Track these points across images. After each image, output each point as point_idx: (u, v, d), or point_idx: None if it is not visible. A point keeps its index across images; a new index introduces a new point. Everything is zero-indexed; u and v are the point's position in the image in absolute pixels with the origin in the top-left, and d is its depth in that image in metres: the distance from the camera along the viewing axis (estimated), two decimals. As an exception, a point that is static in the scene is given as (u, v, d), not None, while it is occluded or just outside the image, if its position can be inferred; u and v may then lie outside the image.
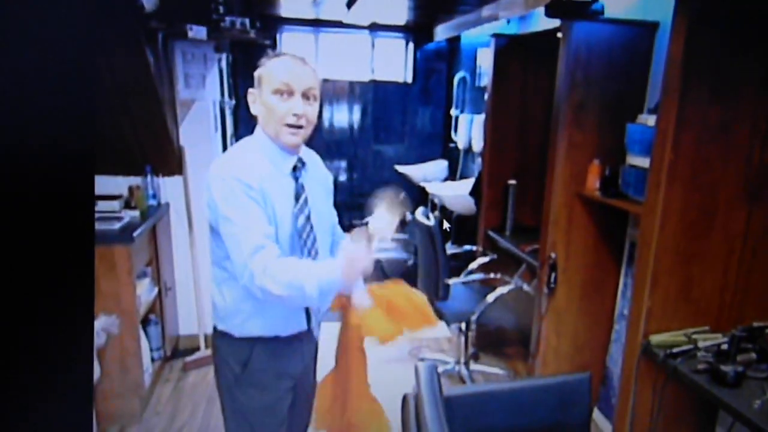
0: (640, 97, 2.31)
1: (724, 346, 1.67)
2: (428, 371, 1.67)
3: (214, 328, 1.56)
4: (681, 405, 1.91)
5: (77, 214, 0.53)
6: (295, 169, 1.49)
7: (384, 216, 1.57)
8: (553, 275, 2.43)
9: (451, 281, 2.79)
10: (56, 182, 0.50)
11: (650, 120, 2.06)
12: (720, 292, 1.82)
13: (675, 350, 1.75)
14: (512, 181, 3.01)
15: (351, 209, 5.42)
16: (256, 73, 1.45)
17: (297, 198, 1.48)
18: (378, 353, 1.80)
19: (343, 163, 5.63)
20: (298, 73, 1.42)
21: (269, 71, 1.42)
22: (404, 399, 1.72)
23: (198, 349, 3.25)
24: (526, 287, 2.79)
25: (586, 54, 2.25)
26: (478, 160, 4.05)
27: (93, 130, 0.58)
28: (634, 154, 2.12)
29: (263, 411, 1.55)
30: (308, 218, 1.51)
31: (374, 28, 5.32)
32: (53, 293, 0.52)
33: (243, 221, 1.34)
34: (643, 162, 2.06)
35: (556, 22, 2.47)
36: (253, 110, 1.47)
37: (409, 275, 3.51)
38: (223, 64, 3.38)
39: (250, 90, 1.47)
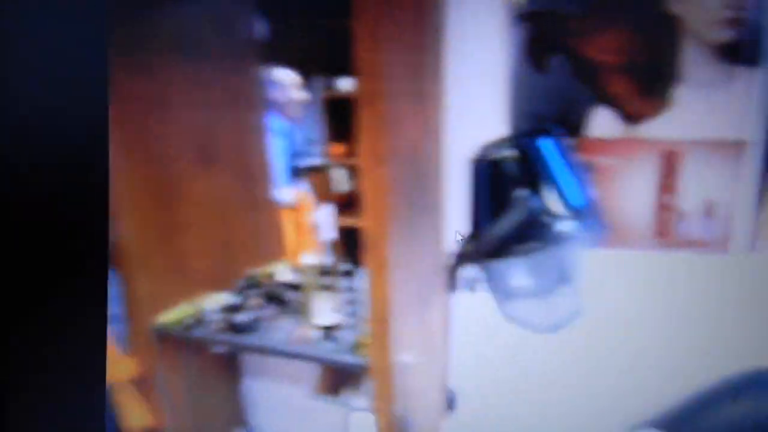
0: None
1: (233, 301, 1.78)
2: None
3: None
4: (211, 369, 1.97)
5: (96, 215, 0.52)
6: None
7: None
8: None
9: None
10: (77, 179, 0.50)
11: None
12: (207, 256, 1.90)
13: (188, 322, 1.73)
14: None
15: None
16: None
17: None
18: None
19: None
20: None
21: None
22: None
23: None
24: None
25: None
26: None
27: (107, 131, 0.49)
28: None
29: None
30: None
31: None
32: (73, 291, 0.51)
33: None
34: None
35: None
36: None
37: None
38: None
39: None
